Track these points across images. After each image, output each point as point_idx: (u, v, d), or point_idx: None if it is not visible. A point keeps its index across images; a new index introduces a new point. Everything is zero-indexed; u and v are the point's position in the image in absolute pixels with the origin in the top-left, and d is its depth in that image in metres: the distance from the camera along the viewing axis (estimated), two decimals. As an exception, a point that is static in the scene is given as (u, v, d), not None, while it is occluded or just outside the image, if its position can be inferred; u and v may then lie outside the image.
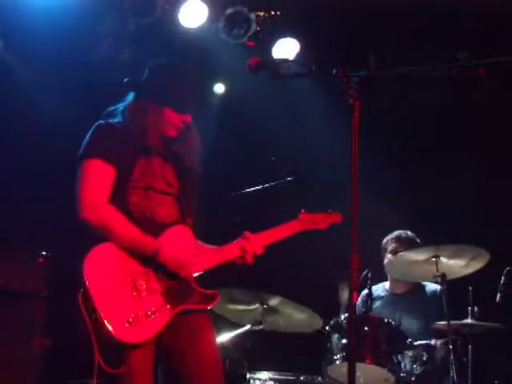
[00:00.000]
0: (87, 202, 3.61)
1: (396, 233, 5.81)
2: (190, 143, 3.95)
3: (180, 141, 3.90)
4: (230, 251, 3.93)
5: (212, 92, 7.14)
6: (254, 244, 3.93)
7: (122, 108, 3.89)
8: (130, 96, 3.91)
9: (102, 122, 3.84)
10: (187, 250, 3.74)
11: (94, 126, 3.81)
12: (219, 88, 7.28)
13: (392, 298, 5.73)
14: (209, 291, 3.79)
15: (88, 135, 3.79)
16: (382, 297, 5.75)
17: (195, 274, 3.77)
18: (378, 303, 5.66)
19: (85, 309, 3.46)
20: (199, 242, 3.97)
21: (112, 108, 3.93)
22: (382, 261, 5.73)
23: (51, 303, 5.69)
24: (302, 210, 4.28)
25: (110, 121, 3.86)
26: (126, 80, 3.90)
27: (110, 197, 3.68)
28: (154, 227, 3.71)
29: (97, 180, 3.67)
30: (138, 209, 3.71)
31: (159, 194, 3.79)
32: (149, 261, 3.61)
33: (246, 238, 3.95)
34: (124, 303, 3.50)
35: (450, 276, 4.98)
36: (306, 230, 4.27)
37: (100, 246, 3.58)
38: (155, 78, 3.87)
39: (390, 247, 5.72)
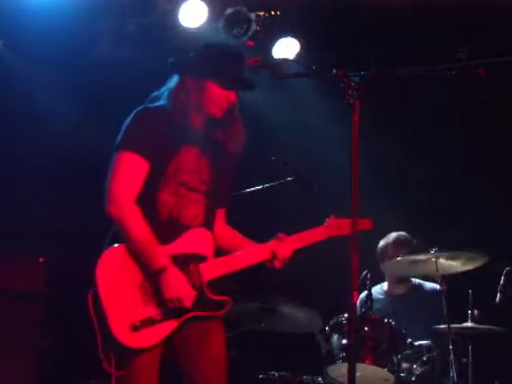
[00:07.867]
0: (113, 198, 3.53)
1: (393, 238, 5.76)
2: (233, 131, 3.77)
3: (222, 126, 3.73)
4: (259, 254, 3.74)
5: None
6: (285, 247, 3.75)
7: (166, 91, 3.74)
8: (175, 78, 3.75)
9: (140, 108, 3.69)
10: (198, 261, 3.60)
11: (132, 114, 3.66)
12: None
13: (391, 299, 5.71)
14: (220, 297, 3.65)
15: (125, 123, 3.64)
16: (380, 299, 5.70)
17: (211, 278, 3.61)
18: (376, 305, 5.64)
19: (93, 308, 3.44)
20: (235, 236, 3.88)
21: (157, 92, 3.78)
22: (378, 263, 5.72)
23: (51, 303, 5.68)
24: (332, 215, 3.96)
25: (152, 105, 3.71)
26: (170, 60, 3.75)
27: (140, 192, 3.56)
28: (179, 230, 3.61)
29: (128, 176, 3.54)
30: (166, 208, 3.59)
31: (191, 192, 3.65)
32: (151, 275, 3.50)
33: (280, 239, 3.78)
34: (132, 307, 3.45)
35: (450, 272, 4.98)
36: (331, 237, 3.95)
37: (115, 248, 3.52)
38: (202, 53, 3.74)
39: (391, 253, 5.66)
